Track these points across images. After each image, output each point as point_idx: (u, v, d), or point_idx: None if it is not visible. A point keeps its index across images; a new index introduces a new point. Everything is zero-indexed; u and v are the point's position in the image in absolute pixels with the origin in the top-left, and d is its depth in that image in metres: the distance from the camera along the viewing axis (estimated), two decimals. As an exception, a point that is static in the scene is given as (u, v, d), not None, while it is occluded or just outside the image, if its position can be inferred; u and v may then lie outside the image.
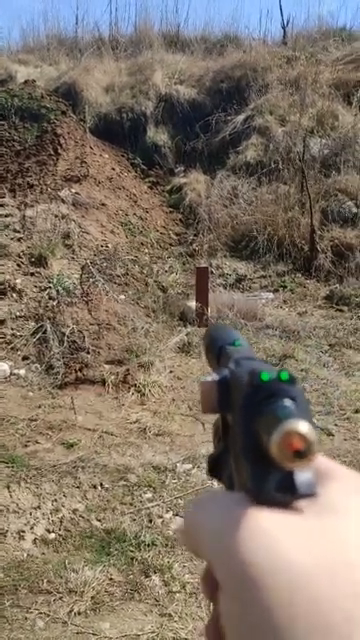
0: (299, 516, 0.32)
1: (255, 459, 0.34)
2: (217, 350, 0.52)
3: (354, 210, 8.47)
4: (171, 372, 5.34)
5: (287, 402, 0.33)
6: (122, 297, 6.55)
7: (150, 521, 3.38)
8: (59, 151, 8.97)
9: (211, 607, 0.38)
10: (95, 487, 3.69)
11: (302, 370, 5.55)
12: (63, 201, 7.83)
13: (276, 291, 7.73)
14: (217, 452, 0.46)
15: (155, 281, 7.45)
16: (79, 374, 5.21)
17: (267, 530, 0.31)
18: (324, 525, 0.32)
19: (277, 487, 0.32)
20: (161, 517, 3.43)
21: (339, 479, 0.35)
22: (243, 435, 0.35)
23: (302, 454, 0.31)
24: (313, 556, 0.30)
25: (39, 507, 3.44)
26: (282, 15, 13.40)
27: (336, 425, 4.57)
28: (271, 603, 0.29)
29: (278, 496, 0.32)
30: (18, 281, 6.18)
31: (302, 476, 0.32)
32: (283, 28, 12.98)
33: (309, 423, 0.32)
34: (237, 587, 0.30)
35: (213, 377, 0.42)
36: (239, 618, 0.30)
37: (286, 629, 0.28)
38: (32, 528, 3.28)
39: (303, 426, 0.31)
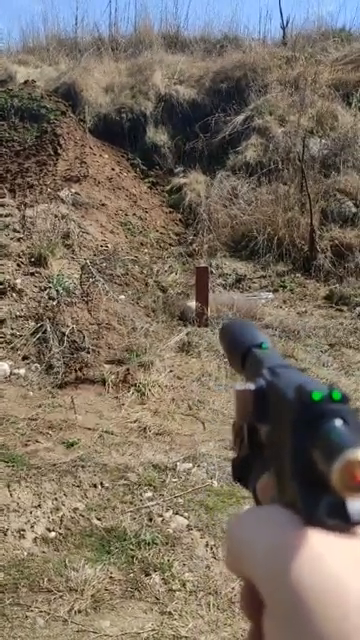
0: (352, 540, 0.31)
1: (306, 481, 0.33)
2: (243, 351, 0.51)
3: (354, 210, 8.48)
4: (171, 372, 5.35)
5: (339, 423, 0.32)
6: (122, 297, 6.55)
7: (150, 520, 3.39)
8: (59, 151, 8.98)
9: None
10: (95, 486, 3.69)
11: (302, 370, 5.54)
12: (63, 201, 7.84)
13: (276, 291, 7.74)
14: (241, 457, 0.46)
15: (155, 281, 7.46)
16: (79, 374, 5.21)
17: (322, 555, 0.30)
18: None
19: (329, 513, 0.32)
20: (161, 516, 3.43)
21: None
22: (293, 456, 0.34)
23: None
24: None
25: (39, 506, 3.44)
26: (282, 16, 13.43)
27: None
28: (323, 629, 0.28)
29: (330, 522, 0.32)
30: (18, 281, 6.19)
31: (355, 504, 0.32)
32: (283, 29, 13.00)
33: None
34: (288, 611, 0.30)
35: (248, 386, 0.41)
36: None
37: None
38: (32, 527, 3.28)
39: None
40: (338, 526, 0.32)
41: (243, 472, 0.45)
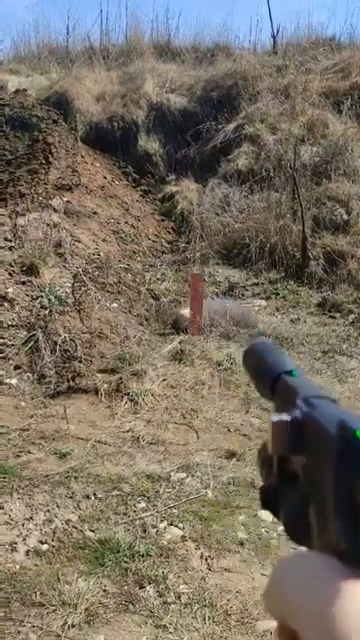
0: None
1: (350, 521, 0.32)
2: (273, 378, 0.50)
3: (345, 217, 8.50)
4: (164, 380, 5.32)
5: None
6: (114, 305, 6.52)
7: (144, 531, 3.35)
8: (50, 160, 8.95)
9: None
10: (88, 497, 3.65)
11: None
12: (55, 210, 7.81)
13: (268, 298, 7.74)
14: (270, 485, 0.45)
15: (147, 289, 7.43)
16: (71, 383, 5.17)
17: None
18: None
19: None
20: (155, 527, 3.40)
21: None
22: (337, 494, 0.33)
23: None
24: None
25: (32, 518, 3.40)
26: (272, 25, 13.40)
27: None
28: None
29: None
30: (10, 290, 6.15)
31: None
32: (273, 37, 13.07)
33: None
34: None
35: (283, 417, 0.40)
36: None
37: None
38: (25, 539, 3.23)
39: None
40: None
41: (272, 501, 0.45)
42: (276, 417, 0.40)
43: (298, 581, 0.33)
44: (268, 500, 0.45)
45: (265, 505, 0.46)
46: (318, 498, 0.36)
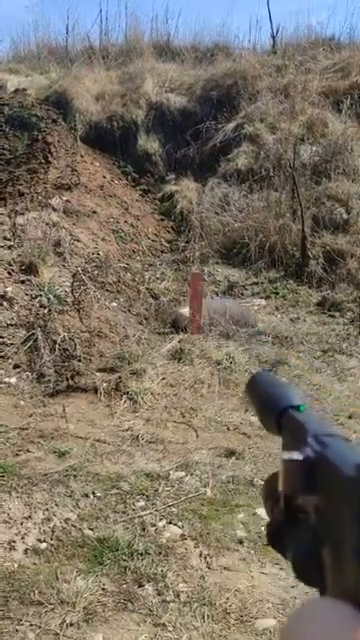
0: None
1: None
2: (279, 411, 0.50)
3: (345, 216, 8.49)
4: (163, 379, 5.31)
5: None
6: (114, 304, 6.51)
7: (143, 529, 3.34)
8: (50, 159, 8.94)
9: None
10: (87, 496, 3.64)
11: (295, 376, 5.54)
12: (54, 209, 7.80)
13: (268, 297, 7.73)
14: (277, 523, 0.44)
15: (147, 288, 7.43)
16: (71, 382, 5.16)
17: None
18: None
19: None
20: (154, 525, 3.39)
21: None
22: (358, 538, 0.32)
23: None
24: None
25: (30, 517, 3.39)
26: (271, 25, 13.38)
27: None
28: None
29: None
30: (9, 289, 6.14)
31: None
32: (272, 37, 13.05)
33: None
34: None
35: (294, 455, 0.39)
36: None
37: None
38: (23, 538, 3.23)
39: None
40: None
41: (279, 539, 0.44)
42: (287, 455, 0.39)
43: (317, 636, 0.32)
44: (275, 538, 0.44)
45: (271, 542, 0.45)
46: (334, 540, 0.35)
